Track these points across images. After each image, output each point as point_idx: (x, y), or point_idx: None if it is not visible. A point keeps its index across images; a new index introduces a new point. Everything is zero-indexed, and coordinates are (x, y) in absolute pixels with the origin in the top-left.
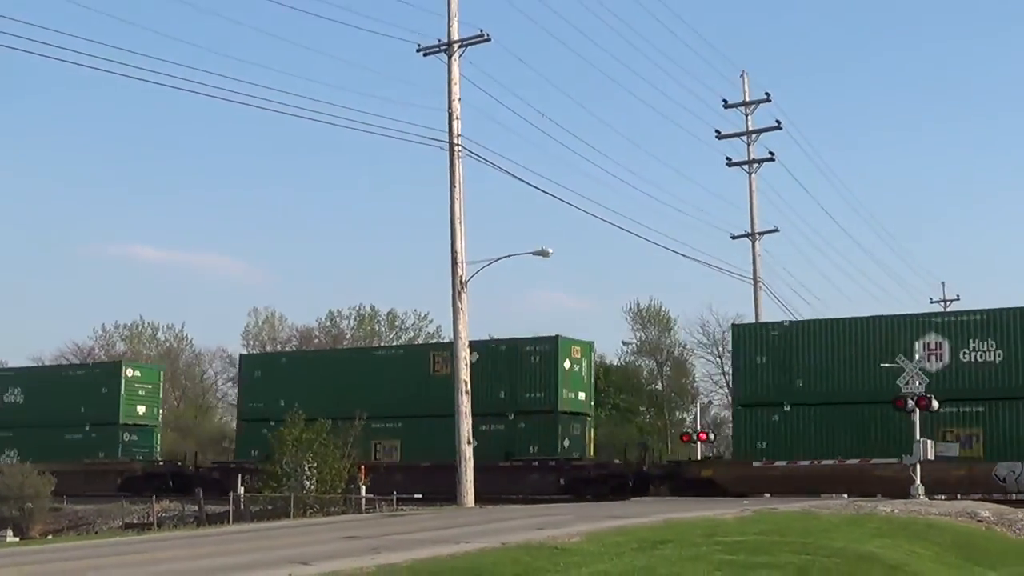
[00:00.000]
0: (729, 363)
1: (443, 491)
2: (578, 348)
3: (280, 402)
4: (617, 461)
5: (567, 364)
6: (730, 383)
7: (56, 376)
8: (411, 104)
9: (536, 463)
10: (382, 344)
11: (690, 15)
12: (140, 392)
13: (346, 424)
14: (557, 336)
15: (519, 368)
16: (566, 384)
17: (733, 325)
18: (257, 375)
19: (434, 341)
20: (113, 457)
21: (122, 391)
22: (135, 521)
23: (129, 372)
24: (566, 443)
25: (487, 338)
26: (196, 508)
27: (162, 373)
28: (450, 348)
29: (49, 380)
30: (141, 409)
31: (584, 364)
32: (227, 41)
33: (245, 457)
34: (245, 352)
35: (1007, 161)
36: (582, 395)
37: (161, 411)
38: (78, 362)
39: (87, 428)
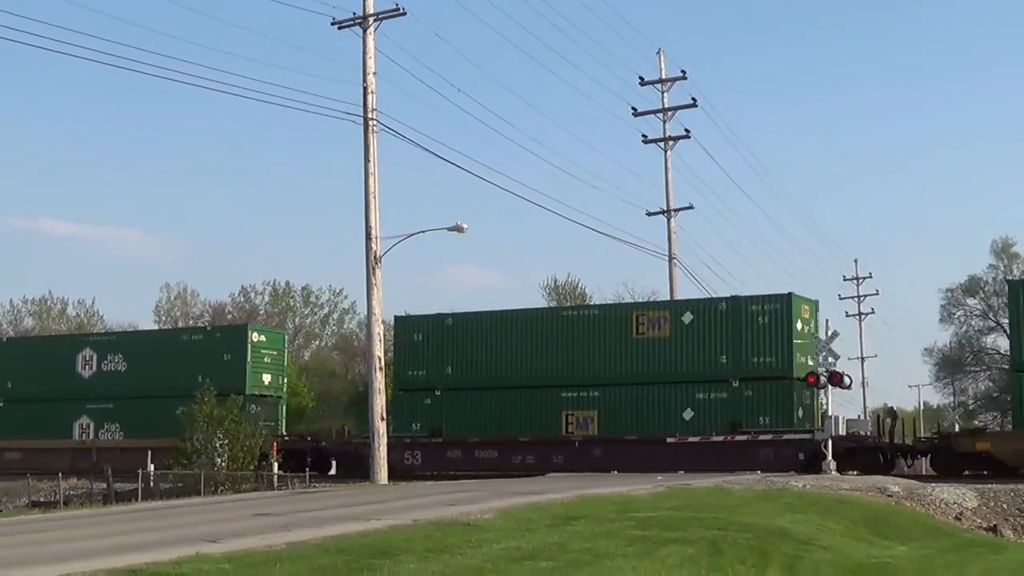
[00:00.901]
0: None
1: (650, 467)
2: (807, 307)
3: (447, 369)
4: (862, 433)
5: (799, 325)
6: None
7: (167, 341)
8: (327, 78)
9: (769, 436)
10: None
11: None
12: (266, 359)
13: (530, 393)
14: (790, 294)
15: (744, 329)
16: (799, 347)
17: (1010, 282)
18: (418, 338)
19: (633, 300)
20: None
21: (248, 358)
22: (41, 499)
23: (255, 337)
24: (800, 413)
25: (705, 295)
26: (104, 486)
27: (286, 339)
28: (658, 308)
29: (158, 346)
30: (267, 378)
31: (812, 325)
32: (138, 12)
33: (406, 431)
34: (400, 314)
35: (923, 140)
36: (811, 360)
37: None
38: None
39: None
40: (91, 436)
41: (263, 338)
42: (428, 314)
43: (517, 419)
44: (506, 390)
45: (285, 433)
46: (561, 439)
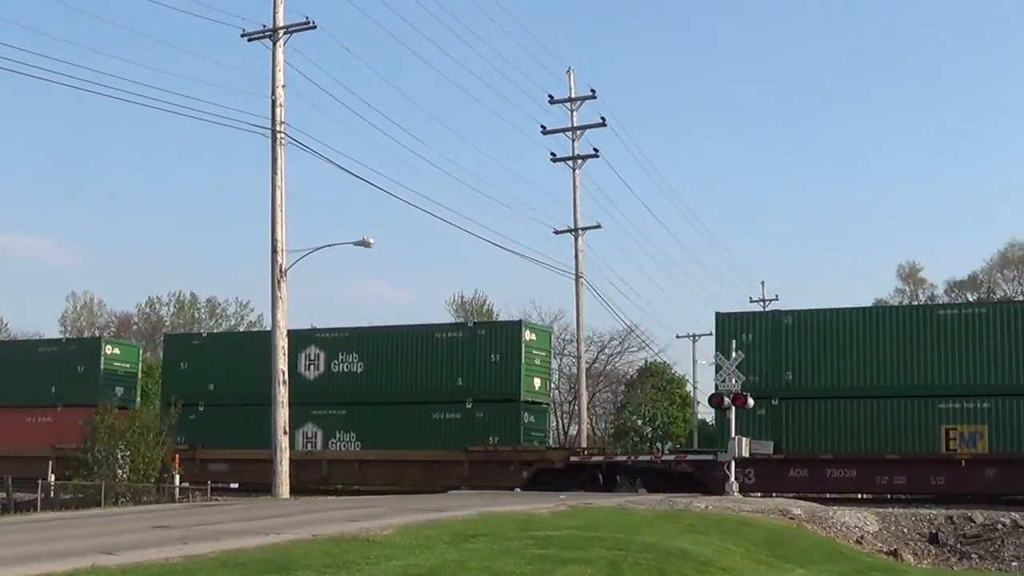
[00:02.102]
0: None
1: None
2: None
3: (787, 375)
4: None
5: None
6: None
7: (416, 339)
8: (236, 90)
9: None
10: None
11: (519, 11)
12: (536, 361)
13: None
14: None
15: None
16: None
17: None
18: (748, 338)
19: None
20: (514, 442)
21: (522, 359)
22: None
23: (528, 335)
24: None
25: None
26: (3, 495)
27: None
28: None
29: (400, 344)
30: (537, 382)
31: None
32: (44, 20)
33: None
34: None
35: (829, 164)
36: None
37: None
38: None
39: (468, 406)
40: (318, 446)
41: (534, 336)
42: (757, 311)
43: (881, 433)
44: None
45: (549, 444)
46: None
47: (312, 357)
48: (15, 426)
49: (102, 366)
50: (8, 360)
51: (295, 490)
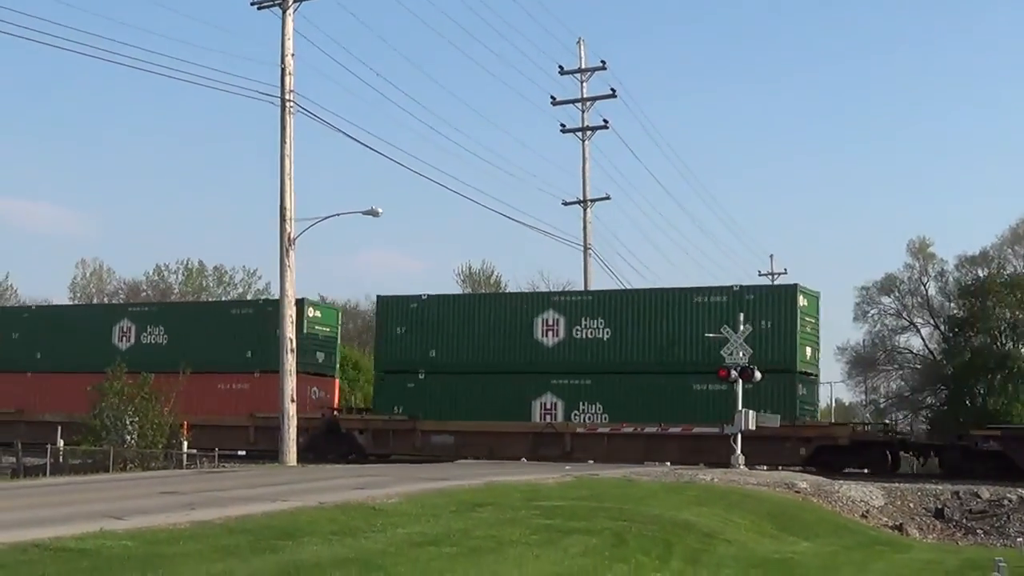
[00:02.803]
0: None
1: None
2: None
3: None
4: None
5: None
6: None
7: (671, 302)
8: (246, 58)
9: None
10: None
11: None
12: (808, 329)
13: None
14: None
15: None
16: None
17: None
18: None
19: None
20: (790, 417)
21: (797, 326)
22: None
23: (802, 301)
24: None
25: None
26: (13, 460)
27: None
28: None
29: (656, 309)
30: (808, 351)
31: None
32: None
33: None
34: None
35: (841, 137)
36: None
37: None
38: None
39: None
40: (558, 417)
41: (806, 303)
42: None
43: None
44: None
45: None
46: None
47: (550, 322)
48: (208, 393)
49: (304, 330)
50: (199, 323)
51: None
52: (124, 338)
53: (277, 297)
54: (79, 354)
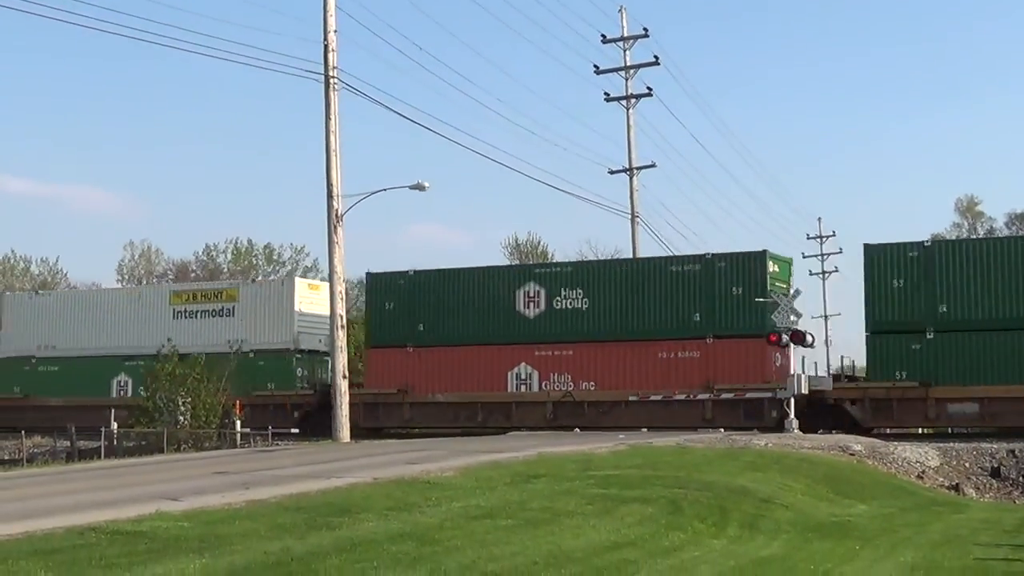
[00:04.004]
0: None
1: None
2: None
3: None
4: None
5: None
6: None
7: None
8: (289, 35)
9: None
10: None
11: None
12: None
13: None
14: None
15: None
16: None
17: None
18: None
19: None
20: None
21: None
22: (5, 457)
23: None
24: None
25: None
26: (68, 444)
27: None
28: None
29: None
30: None
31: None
32: None
33: None
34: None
35: (887, 97)
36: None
37: None
38: None
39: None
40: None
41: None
42: None
43: None
44: None
45: None
46: None
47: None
48: (646, 363)
49: (768, 286)
50: (629, 283)
51: None
52: (531, 304)
53: (686, 254)
54: (474, 324)
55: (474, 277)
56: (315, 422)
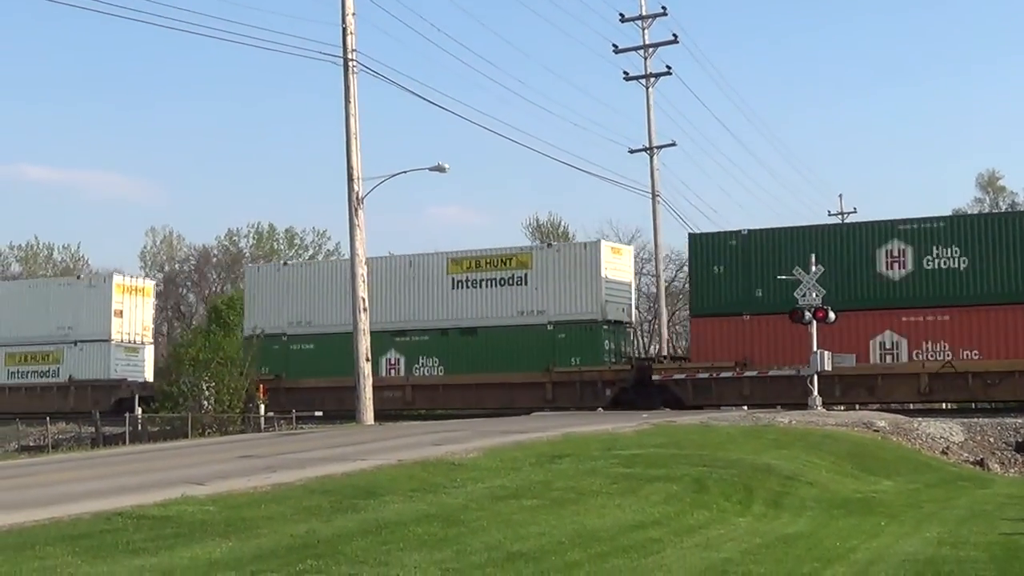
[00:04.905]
0: None
1: None
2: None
3: None
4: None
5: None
6: None
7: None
8: (307, 19)
9: None
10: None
11: None
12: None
13: None
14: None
15: None
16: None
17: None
18: None
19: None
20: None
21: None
22: (31, 444)
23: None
24: None
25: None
26: (93, 430)
27: None
28: None
29: None
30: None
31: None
32: None
33: None
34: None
35: (908, 72)
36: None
37: None
38: None
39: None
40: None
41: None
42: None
43: None
44: None
45: None
46: None
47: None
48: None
49: None
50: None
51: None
52: (895, 264)
53: None
54: (825, 288)
55: (823, 235)
56: (629, 400)
